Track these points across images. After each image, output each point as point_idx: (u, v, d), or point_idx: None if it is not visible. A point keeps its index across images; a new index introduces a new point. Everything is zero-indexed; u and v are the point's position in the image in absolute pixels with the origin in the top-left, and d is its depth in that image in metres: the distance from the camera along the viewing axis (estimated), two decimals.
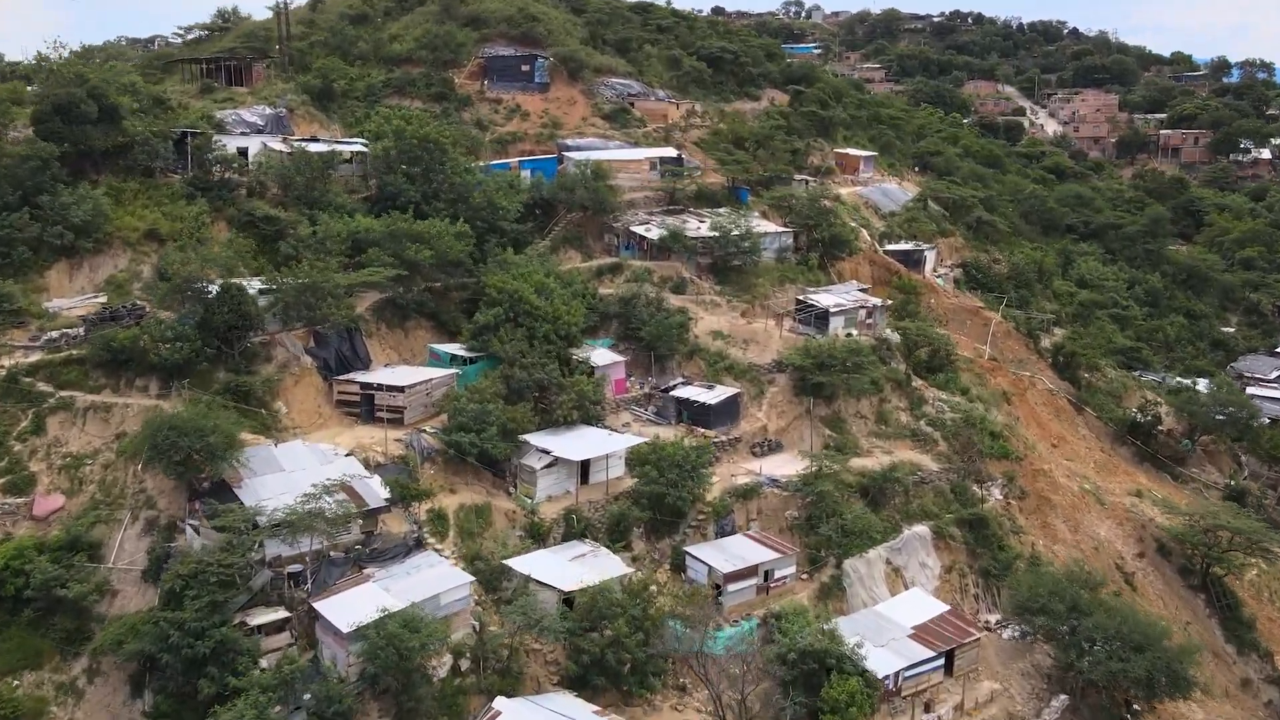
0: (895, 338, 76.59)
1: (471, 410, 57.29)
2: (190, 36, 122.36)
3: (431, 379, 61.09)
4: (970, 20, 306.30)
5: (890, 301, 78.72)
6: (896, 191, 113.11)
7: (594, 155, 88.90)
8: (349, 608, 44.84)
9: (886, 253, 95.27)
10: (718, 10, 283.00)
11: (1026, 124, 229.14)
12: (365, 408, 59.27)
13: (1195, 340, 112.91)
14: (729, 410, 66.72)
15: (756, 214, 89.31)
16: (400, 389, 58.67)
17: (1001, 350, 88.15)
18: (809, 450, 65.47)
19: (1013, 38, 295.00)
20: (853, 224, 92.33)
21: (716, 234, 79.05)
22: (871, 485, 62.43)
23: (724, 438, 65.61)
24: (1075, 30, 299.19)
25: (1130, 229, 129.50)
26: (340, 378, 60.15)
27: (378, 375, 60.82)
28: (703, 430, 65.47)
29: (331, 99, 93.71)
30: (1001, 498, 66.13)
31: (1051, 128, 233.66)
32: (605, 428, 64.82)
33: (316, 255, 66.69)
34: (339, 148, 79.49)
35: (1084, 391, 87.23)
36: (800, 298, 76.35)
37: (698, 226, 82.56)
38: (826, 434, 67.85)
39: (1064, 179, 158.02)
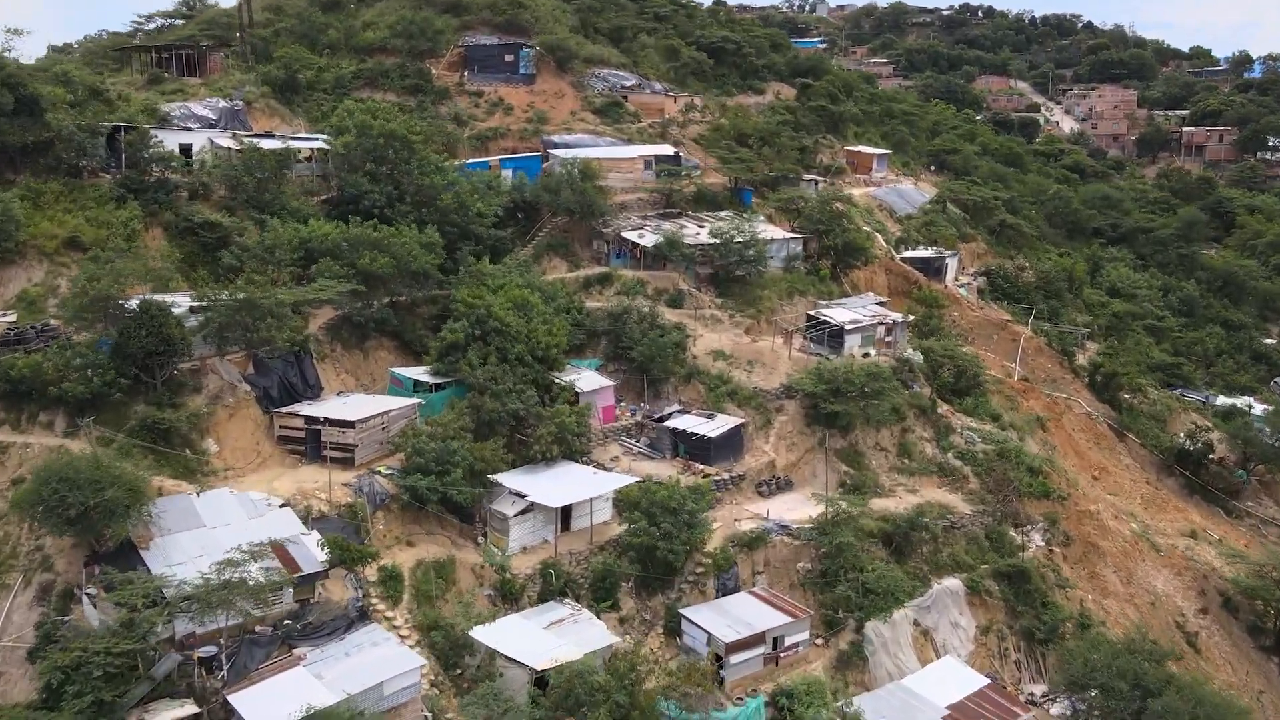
0: (918, 358, 68.98)
1: (433, 449, 49.73)
2: (151, 26, 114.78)
3: (389, 410, 53.50)
4: (980, 14, 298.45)
5: (912, 317, 71.07)
6: (913, 193, 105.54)
7: (582, 153, 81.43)
8: (270, 700, 37.31)
9: (904, 260, 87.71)
10: (719, 2, 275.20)
11: (1041, 121, 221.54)
12: (311, 445, 51.68)
13: (1234, 353, 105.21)
14: (732, 443, 59.19)
15: (762, 218, 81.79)
16: (350, 424, 51.09)
17: (1033, 369, 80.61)
18: (823, 489, 58.00)
19: (1025, 32, 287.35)
20: (867, 229, 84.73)
21: (717, 241, 71.52)
22: (895, 532, 54.89)
23: (726, 475, 58.08)
24: (1090, 24, 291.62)
25: (1162, 232, 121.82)
26: (283, 410, 52.57)
27: (325, 407, 53.21)
28: (702, 466, 57.98)
29: (295, 91, 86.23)
30: (1043, 544, 58.57)
31: (1068, 125, 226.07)
32: (591, 463, 57.46)
33: (263, 266, 59.40)
34: (296, 145, 71.96)
35: (1125, 415, 79.62)
36: (812, 313, 68.80)
37: (696, 232, 75.04)
38: (842, 470, 60.30)
39: (1085, 178, 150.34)
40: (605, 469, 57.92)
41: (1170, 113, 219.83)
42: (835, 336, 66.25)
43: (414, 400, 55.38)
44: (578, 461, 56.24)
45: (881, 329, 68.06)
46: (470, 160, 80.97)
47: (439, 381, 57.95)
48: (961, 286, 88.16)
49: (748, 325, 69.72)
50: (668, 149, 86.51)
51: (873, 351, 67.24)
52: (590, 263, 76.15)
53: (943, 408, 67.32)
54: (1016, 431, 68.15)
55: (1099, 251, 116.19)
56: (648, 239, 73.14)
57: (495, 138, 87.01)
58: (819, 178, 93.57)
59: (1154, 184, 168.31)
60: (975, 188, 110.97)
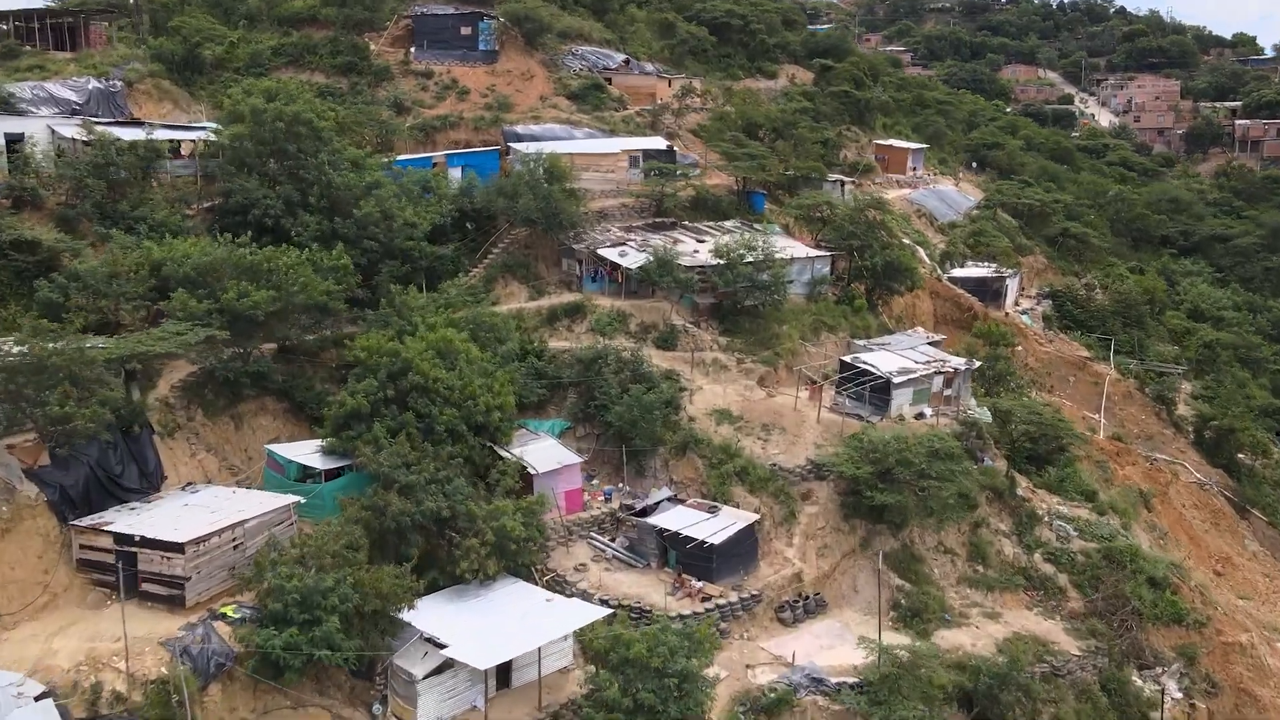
0: (985, 416, 53.30)
1: (297, 588, 34.02)
2: None
3: (245, 519, 37.71)
4: None
5: (978, 362, 55.21)
6: (955, 195, 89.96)
7: (552, 147, 65.83)
8: None
9: (952, 281, 72.05)
10: None
11: (1077, 113, 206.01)
12: (127, 572, 35.91)
13: None
14: (742, 549, 43.57)
15: (778, 229, 66.23)
16: (177, 547, 35.30)
17: (1122, 421, 64.98)
18: (866, 609, 42.53)
19: (1053, 18, 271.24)
20: (907, 241, 69.04)
21: (722, 261, 55.86)
22: (977, 688, 39.19)
23: (735, 596, 42.46)
24: (1123, 9, 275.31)
25: (1243, 241, 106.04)
26: (84, 523, 36.84)
27: (152, 515, 37.44)
28: (700, 585, 42.37)
29: (198, 71, 70.73)
30: (1180, 695, 42.83)
31: (1105, 118, 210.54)
32: (546, 574, 42.12)
33: (97, 301, 43.95)
34: (169, 136, 56.42)
35: (1246, 484, 63.99)
36: (847, 358, 53.04)
37: (695, 249, 59.41)
38: (895, 584, 44.63)
39: (1143, 177, 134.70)
40: (566, 584, 42.43)
41: (1218, 104, 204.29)
42: (880, 391, 50.57)
43: (286, 500, 39.63)
44: (526, 576, 40.85)
45: (939, 379, 52.37)
46: (408, 156, 65.33)
47: (334, 466, 42.42)
48: (1024, 313, 72.56)
49: (761, 374, 54.09)
50: (659, 142, 70.90)
51: (928, 411, 51.58)
52: (558, 288, 60.55)
53: (1022, 485, 51.65)
54: (1118, 515, 52.51)
55: (1170, 264, 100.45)
56: (631, 258, 57.52)
57: (444, 128, 71.35)
58: (845, 178, 77.89)
59: (1213, 183, 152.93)
60: (1027, 189, 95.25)
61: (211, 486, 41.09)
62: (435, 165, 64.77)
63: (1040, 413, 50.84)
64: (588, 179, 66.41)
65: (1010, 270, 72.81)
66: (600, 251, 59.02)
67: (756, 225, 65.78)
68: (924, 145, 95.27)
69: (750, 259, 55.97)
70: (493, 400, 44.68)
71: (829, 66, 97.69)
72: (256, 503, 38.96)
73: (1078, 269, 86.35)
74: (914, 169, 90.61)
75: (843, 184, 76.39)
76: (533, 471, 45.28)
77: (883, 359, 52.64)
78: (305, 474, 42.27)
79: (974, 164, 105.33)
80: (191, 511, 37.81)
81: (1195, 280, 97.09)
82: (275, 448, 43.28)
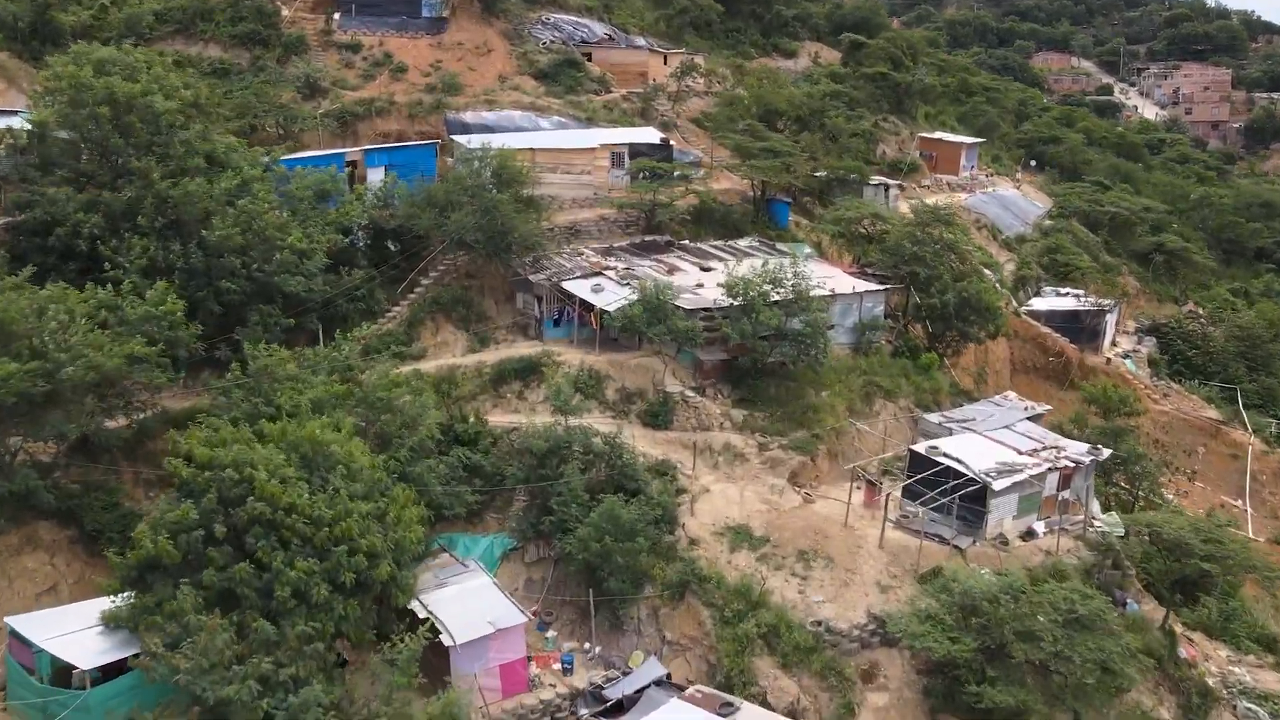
0: (1116, 528, 37.54)
1: None
2: None
3: None
4: None
5: (1105, 450, 39.07)
6: (1019, 201, 74.33)
7: (509, 140, 50.29)
8: None
9: (1032, 315, 56.36)
10: None
11: (1120, 105, 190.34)
12: None
13: None
14: None
15: (808, 249, 50.59)
16: None
17: (1273, 507, 49.19)
18: None
19: (1085, 2, 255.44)
20: (986, 272, 53.26)
21: (736, 301, 40.06)
22: None
23: None
24: None
25: None
26: None
27: None
28: None
29: (53, 41, 55.26)
30: None
31: (1149, 110, 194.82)
32: None
33: None
34: None
35: None
36: (919, 448, 37.14)
37: (698, 282, 43.68)
38: None
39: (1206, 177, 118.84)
40: None
41: (1275, 95, 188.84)
42: (973, 501, 34.80)
43: None
44: None
45: (1054, 477, 36.54)
46: (310, 153, 49.75)
47: (112, 660, 26.81)
48: (1126, 356, 56.80)
49: (794, 466, 38.38)
50: (651, 134, 55.19)
51: (1040, 527, 35.91)
52: (509, 335, 44.90)
53: (1179, 635, 35.93)
54: None
55: (1274, 282, 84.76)
56: (609, 296, 41.81)
57: (369, 115, 55.59)
58: (890, 180, 62.20)
59: None
60: (1107, 193, 79.59)
61: None
62: (350, 165, 49.10)
63: (1220, 541, 34.82)
64: (555, 183, 50.83)
65: (1108, 301, 56.97)
66: (567, 285, 43.30)
67: (780, 246, 50.15)
68: (979, 140, 79.53)
69: (776, 297, 40.26)
70: (384, 540, 29.09)
71: (860, 43, 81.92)
72: None
73: (1176, 294, 70.60)
74: (969, 168, 74.96)
75: (886, 188, 60.69)
76: (448, 643, 29.73)
77: (971, 448, 36.87)
78: (55, 682, 26.69)
79: (1031, 162, 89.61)
80: None
81: None
82: (19, 621, 27.53)
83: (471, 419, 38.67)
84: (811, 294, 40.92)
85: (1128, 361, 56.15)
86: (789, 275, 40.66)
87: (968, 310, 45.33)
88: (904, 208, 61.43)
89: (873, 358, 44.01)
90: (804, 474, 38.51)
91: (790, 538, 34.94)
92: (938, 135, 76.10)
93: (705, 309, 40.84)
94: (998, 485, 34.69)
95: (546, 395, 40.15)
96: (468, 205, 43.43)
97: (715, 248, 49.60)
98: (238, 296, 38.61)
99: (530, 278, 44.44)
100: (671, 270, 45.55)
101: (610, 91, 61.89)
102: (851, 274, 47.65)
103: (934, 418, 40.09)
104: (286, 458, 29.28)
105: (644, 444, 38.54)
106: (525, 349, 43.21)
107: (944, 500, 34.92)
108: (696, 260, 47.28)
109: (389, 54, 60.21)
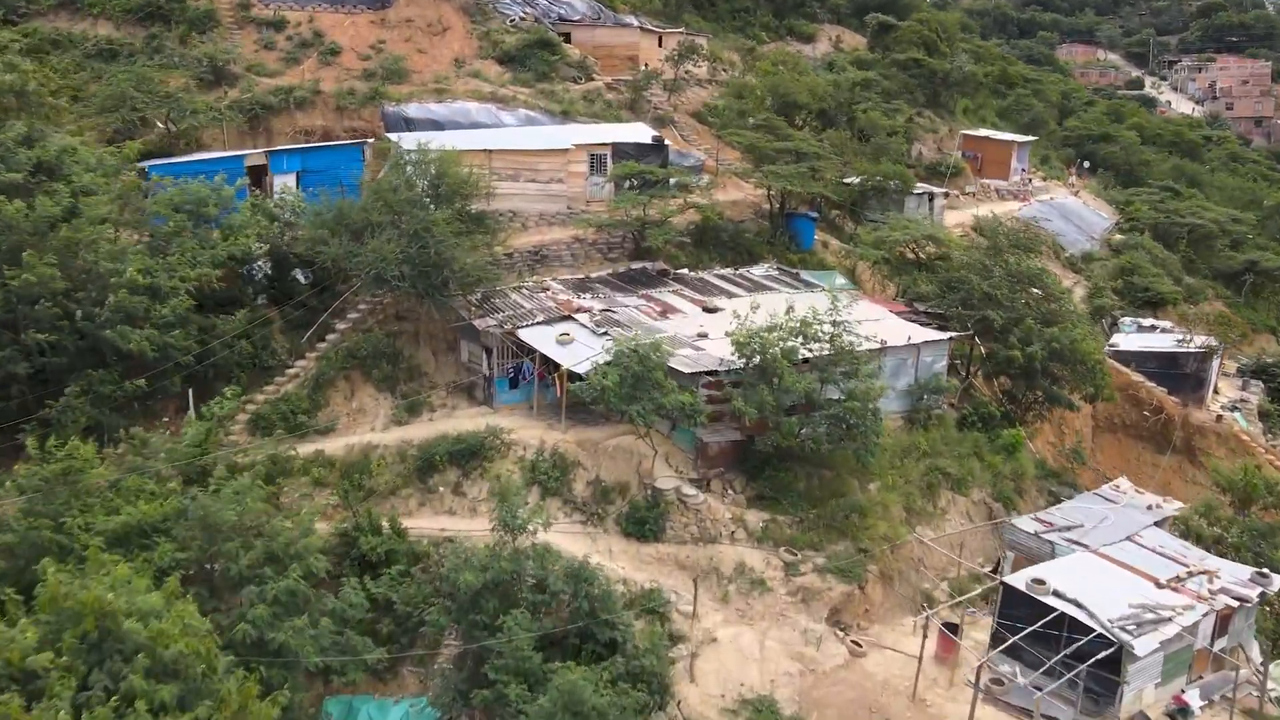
0: None
1: None
2: None
3: None
4: None
5: (1273, 578, 28.39)
6: (1082, 211, 63.80)
7: (458, 140, 39.78)
8: None
9: (1117, 357, 45.65)
10: None
11: (1154, 100, 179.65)
12: None
13: None
14: None
15: (841, 279, 39.92)
16: None
17: None
18: None
19: None
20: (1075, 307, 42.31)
21: (752, 359, 29.25)
22: None
23: None
24: None
25: None
26: None
27: None
28: None
29: None
30: None
31: (1185, 105, 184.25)
32: None
33: None
34: None
35: None
36: (1013, 582, 26.35)
37: (700, 328, 32.97)
38: None
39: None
40: None
41: None
42: (1104, 664, 24.12)
43: None
44: None
45: (1208, 622, 25.85)
46: (201, 156, 39.23)
47: None
48: (1234, 409, 46.09)
49: (836, 600, 27.70)
50: (641, 131, 44.52)
51: (1196, 703, 25.22)
52: (450, 399, 34.33)
53: None
54: None
55: None
56: (578, 351, 31.19)
57: (288, 108, 45.03)
58: (934, 188, 51.60)
59: None
60: (1177, 200, 69.01)
61: None
62: (252, 172, 38.47)
63: None
64: (516, 194, 40.34)
65: (1216, 341, 46.22)
66: (524, 335, 32.65)
67: (805, 275, 39.59)
68: (1030, 138, 68.83)
69: (807, 354, 29.63)
70: None
71: (889, 25, 71.28)
72: None
73: (1275, 323, 59.88)
74: (1019, 171, 64.36)
75: (930, 198, 50.10)
76: None
77: (1089, 580, 26.18)
78: None
79: (1084, 163, 78.96)
80: None
81: None
82: None
83: (385, 526, 28.14)
84: (851, 347, 30.21)
85: (1237, 416, 45.44)
86: (825, 324, 30.01)
87: (1059, 366, 34.62)
88: (949, 221, 51.07)
89: (934, 431, 33.31)
90: (849, 609, 27.91)
91: (834, 715, 24.38)
92: (983, 133, 65.49)
93: (709, 372, 30.19)
94: (1140, 646, 24.01)
95: (496, 491, 29.68)
96: (391, 227, 32.83)
97: (722, 278, 39.03)
98: (60, 357, 28.13)
99: (476, 323, 33.79)
100: (665, 311, 34.93)
101: (593, 79, 51.36)
102: (900, 314, 36.96)
103: (1026, 524, 29.36)
104: (55, 641, 18.74)
105: (625, 563, 28.06)
106: (468, 420, 32.62)
107: (1057, 664, 24.26)
108: (698, 297, 36.64)
109: (319, 33, 49.78)
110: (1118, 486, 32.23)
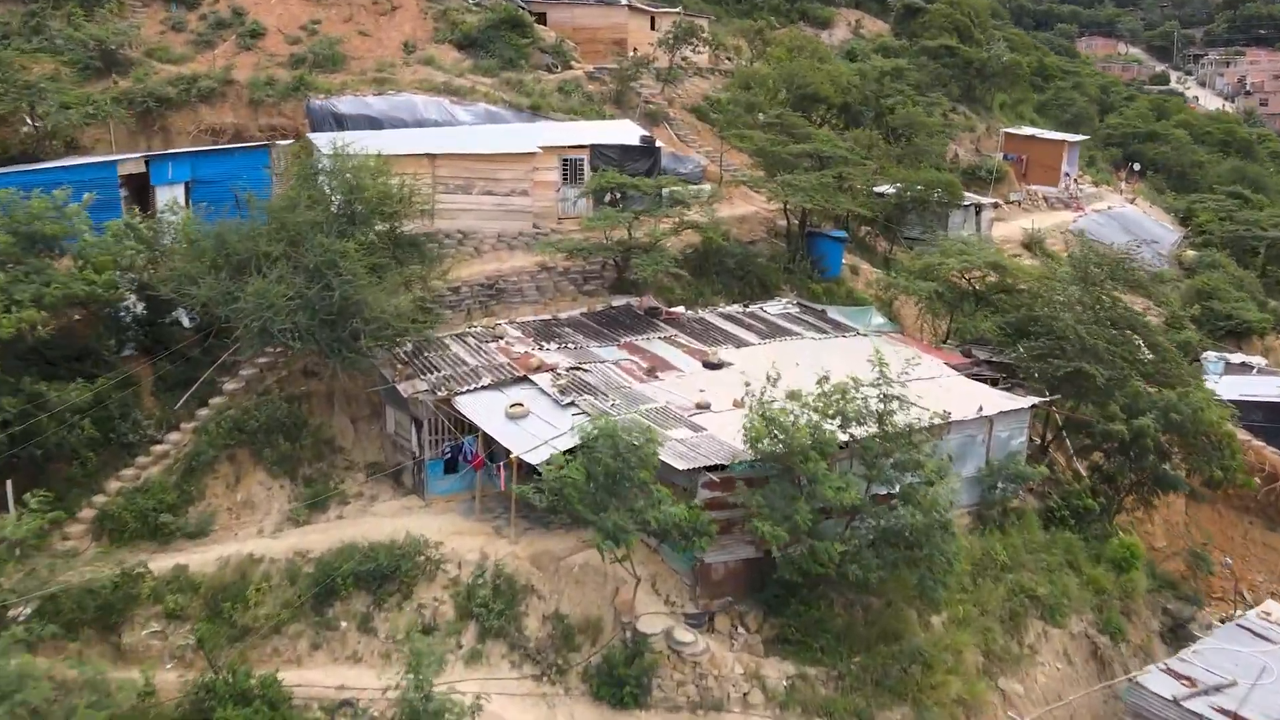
0: None
1: None
2: None
3: None
4: None
5: None
6: (1145, 223, 55.70)
7: (396, 141, 31.80)
8: None
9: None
10: None
11: (1182, 95, 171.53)
12: None
13: None
14: None
15: (878, 318, 31.70)
16: None
17: None
18: None
19: None
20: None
21: (773, 444, 20.93)
22: None
23: None
24: None
25: None
26: None
27: None
28: None
29: None
30: None
31: (1214, 101, 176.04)
32: None
33: None
34: None
35: None
36: None
37: (697, 399, 24.74)
38: None
39: None
40: None
41: None
42: None
43: None
44: None
45: None
46: (61, 163, 31.09)
47: None
48: None
49: None
50: (627, 131, 36.35)
51: None
52: (372, 485, 26.18)
53: None
54: None
55: None
56: (535, 428, 23.02)
57: (190, 101, 36.88)
58: (983, 199, 43.45)
59: None
60: (1249, 209, 60.86)
61: None
62: (130, 181, 30.36)
63: None
64: (467, 209, 32.27)
65: None
66: (465, 405, 24.49)
67: (835, 313, 31.48)
68: (1081, 138, 60.62)
69: (848, 435, 21.44)
70: None
71: (916, 8, 63.11)
72: None
73: None
74: (1069, 176, 56.25)
75: (978, 210, 41.93)
76: None
77: None
78: None
79: (1134, 165, 70.76)
80: None
81: None
82: None
83: (253, 685, 20.02)
84: (909, 424, 22.01)
85: None
86: (876, 397, 21.82)
87: (1176, 441, 26.45)
88: (995, 236, 43.06)
89: (1014, 535, 25.06)
90: None
91: None
92: (1029, 132, 57.31)
93: (713, 468, 21.99)
94: None
95: (413, 625, 21.75)
96: (286, 261, 24.68)
97: (729, 318, 30.91)
98: None
99: (401, 387, 25.63)
100: (653, 369, 26.77)
101: (571, 67, 43.22)
102: (959, 367, 28.77)
103: (1160, 684, 21.16)
104: None
105: None
106: (389, 518, 24.59)
107: None
108: (697, 346, 28.48)
109: (239, 11, 41.66)
110: (1268, 615, 24.03)
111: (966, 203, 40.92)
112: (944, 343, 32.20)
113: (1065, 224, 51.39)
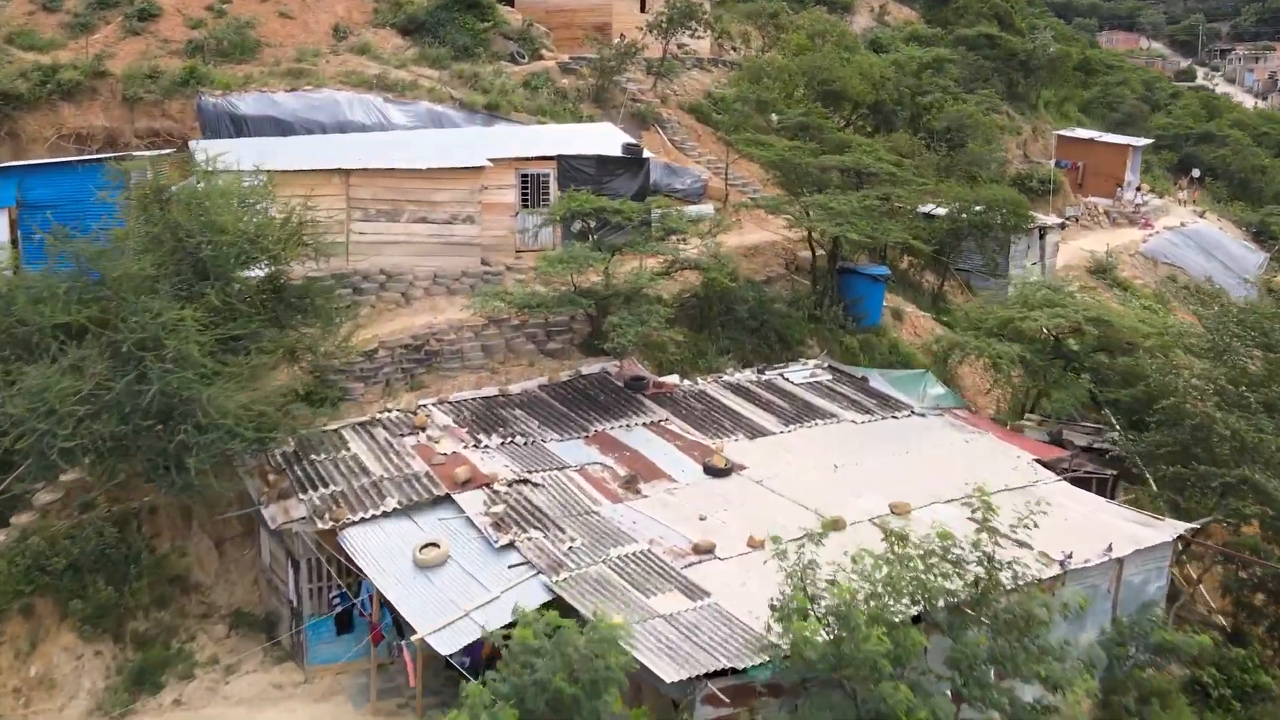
0: None
1: None
2: None
3: None
4: None
5: None
6: (1225, 242, 48.05)
7: (296, 150, 24.10)
8: None
9: None
10: None
11: (1210, 92, 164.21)
12: None
13: None
14: None
15: (938, 387, 23.98)
16: None
17: None
18: None
19: None
20: None
21: (820, 631, 13.33)
22: None
23: None
24: None
25: None
26: None
27: None
28: None
29: None
30: None
31: (1243, 98, 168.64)
32: None
33: None
34: None
35: None
36: None
37: (694, 540, 17.08)
38: None
39: None
40: None
41: None
42: None
43: None
44: None
45: None
46: None
47: None
48: None
49: None
50: (608, 137, 28.64)
51: None
52: (237, 644, 18.48)
53: None
54: None
55: None
56: (450, 585, 15.37)
57: (51, 99, 29.16)
58: (1048, 219, 35.79)
59: None
60: None
61: None
62: None
63: None
64: (396, 240, 24.60)
65: None
66: (355, 542, 16.82)
67: (877, 380, 23.83)
68: (1144, 141, 52.89)
69: (915, 611, 13.80)
70: None
71: None
72: None
73: None
74: (1131, 186, 48.63)
75: (1042, 234, 34.25)
76: None
77: None
78: None
79: (1194, 172, 63.05)
80: None
81: None
82: None
83: None
84: (1018, 587, 14.40)
85: None
86: (974, 560, 14.19)
87: None
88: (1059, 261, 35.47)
89: (1156, 707, 17.39)
90: None
91: None
92: (1084, 134, 49.63)
93: (725, 673, 14.29)
94: None
95: None
96: (94, 341, 16.99)
97: (738, 390, 23.18)
98: None
99: (267, 512, 17.95)
100: (634, 478, 19.05)
101: (541, 57, 35.52)
102: (1054, 462, 21.06)
103: None
104: None
105: None
106: (246, 705, 16.93)
107: None
108: (696, 436, 20.79)
109: None
110: None
111: (1041, 220, 33.30)
112: (1021, 419, 24.56)
113: (1133, 244, 43.77)
